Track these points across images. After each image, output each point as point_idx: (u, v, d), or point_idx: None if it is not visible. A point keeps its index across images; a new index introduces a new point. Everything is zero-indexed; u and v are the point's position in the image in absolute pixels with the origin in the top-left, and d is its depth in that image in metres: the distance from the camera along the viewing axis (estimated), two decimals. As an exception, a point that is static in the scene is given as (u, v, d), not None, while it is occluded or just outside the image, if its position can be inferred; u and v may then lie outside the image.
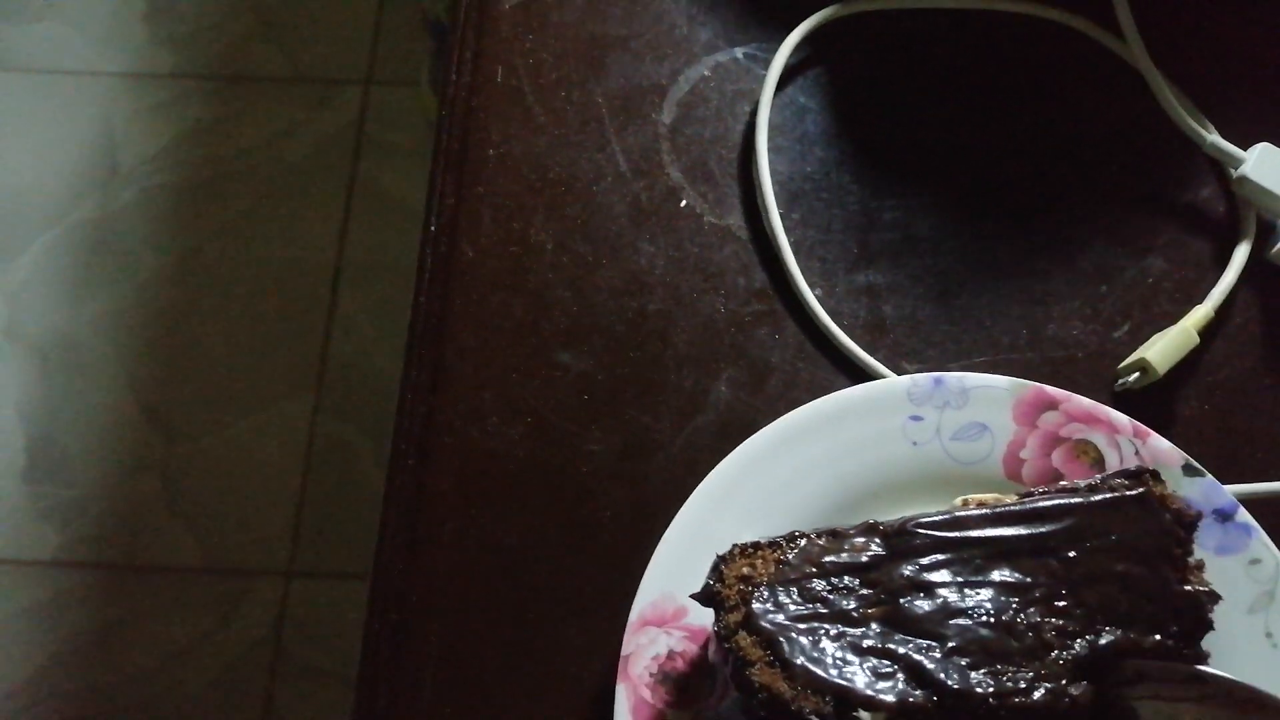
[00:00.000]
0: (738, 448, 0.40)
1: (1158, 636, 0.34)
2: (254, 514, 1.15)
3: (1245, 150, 0.46)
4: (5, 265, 1.24)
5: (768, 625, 0.34)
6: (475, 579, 0.41)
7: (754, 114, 0.48)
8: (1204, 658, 0.35)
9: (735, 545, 0.36)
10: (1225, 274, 0.45)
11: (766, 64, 0.48)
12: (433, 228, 0.46)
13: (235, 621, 1.12)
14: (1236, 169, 0.46)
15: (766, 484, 0.40)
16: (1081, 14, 0.49)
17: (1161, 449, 0.40)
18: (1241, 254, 0.45)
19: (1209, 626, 0.35)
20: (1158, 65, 0.47)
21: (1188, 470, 0.40)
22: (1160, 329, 0.44)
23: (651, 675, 0.38)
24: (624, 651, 0.38)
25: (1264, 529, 0.40)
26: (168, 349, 1.21)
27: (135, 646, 1.11)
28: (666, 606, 0.38)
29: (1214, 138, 0.46)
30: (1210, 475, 0.40)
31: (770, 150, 0.47)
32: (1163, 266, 0.46)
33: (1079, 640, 0.34)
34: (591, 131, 0.48)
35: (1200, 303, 0.45)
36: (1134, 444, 0.40)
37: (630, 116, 0.48)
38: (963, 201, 0.47)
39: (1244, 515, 0.39)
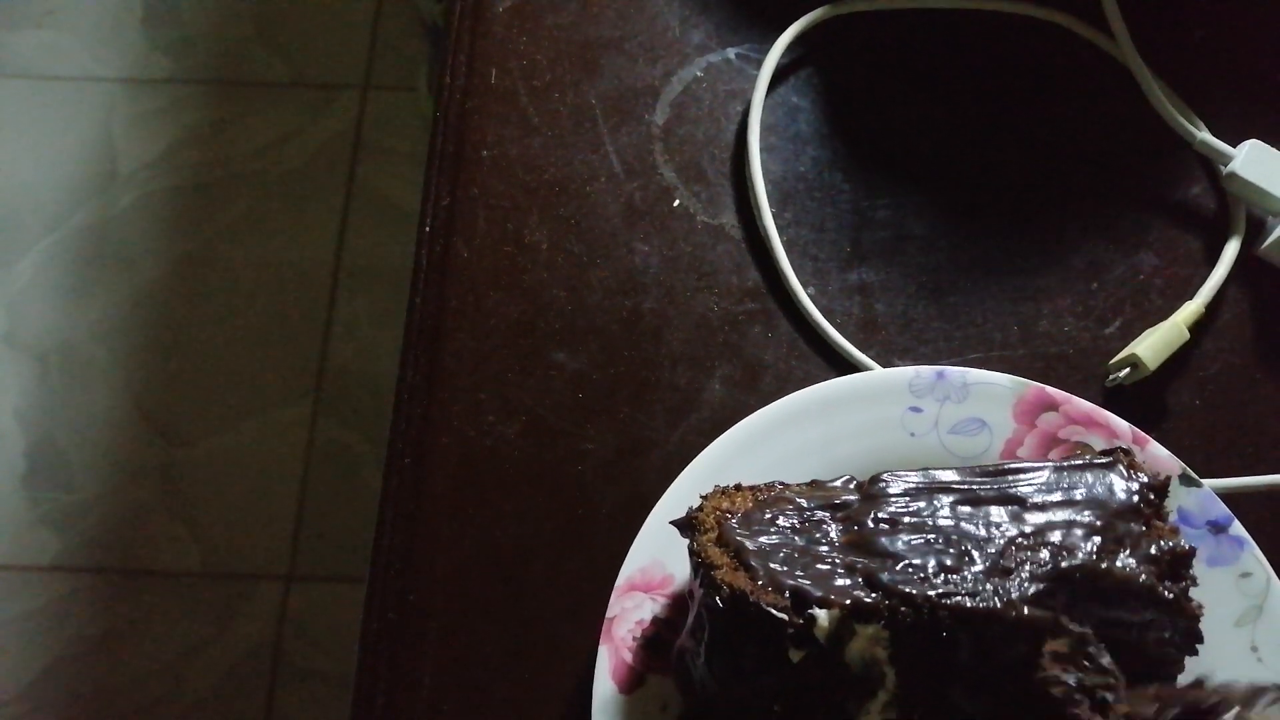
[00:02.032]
0: (737, 424, 0.40)
1: (1131, 569, 0.34)
2: (254, 518, 1.16)
3: (1234, 147, 0.46)
4: (4, 271, 1.25)
5: (737, 537, 0.35)
6: (472, 578, 0.42)
7: (746, 114, 0.48)
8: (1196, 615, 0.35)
9: (718, 485, 0.37)
10: (1215, 270, 0.45)
11: (759, 64, 0.49)
12: (428, 228, 0.46)
13: (236, 625, 1.12)
14: (1226, 166, 0.46)
15: (762, 460, 0.40)
16: (1071, 13, 0.49)
17: (1160, 456, 0.40)
18: (1231, 250, 0.46)
19: (1192, 580, 0.35)
20: (1147, 63, 0.47)
21: (1185, 480, 0.40)
22: (1151, 325, 0.45)
23: (634, 639, 0.38)
24: (608, 614, 0.38)
25: (1254, 522, 0.40)
26: (167, 354, 1.21)
27: (136, 651, 1.11)
28: (655, 573, 0.39)
29: (1203, 135, 0.47)
30: (1207, 485, 0.40)
31: (763, 150, 0.48)
32: (1153, 263, 0.46)
33: (1042, 568, 0.34)
34: (585, 132, 0.48)
35: (1191, 299, 0.45)
36: (1132, 450, 0.40)
37: (623, 117, 0.48)
38: (954, 200, 0.47)
39: (1238, 528, 0.39)
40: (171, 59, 1.33)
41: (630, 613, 0.38)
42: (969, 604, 0.32)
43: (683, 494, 0.40)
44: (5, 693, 1.10)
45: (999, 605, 0.32)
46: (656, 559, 0.39)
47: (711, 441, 0.40)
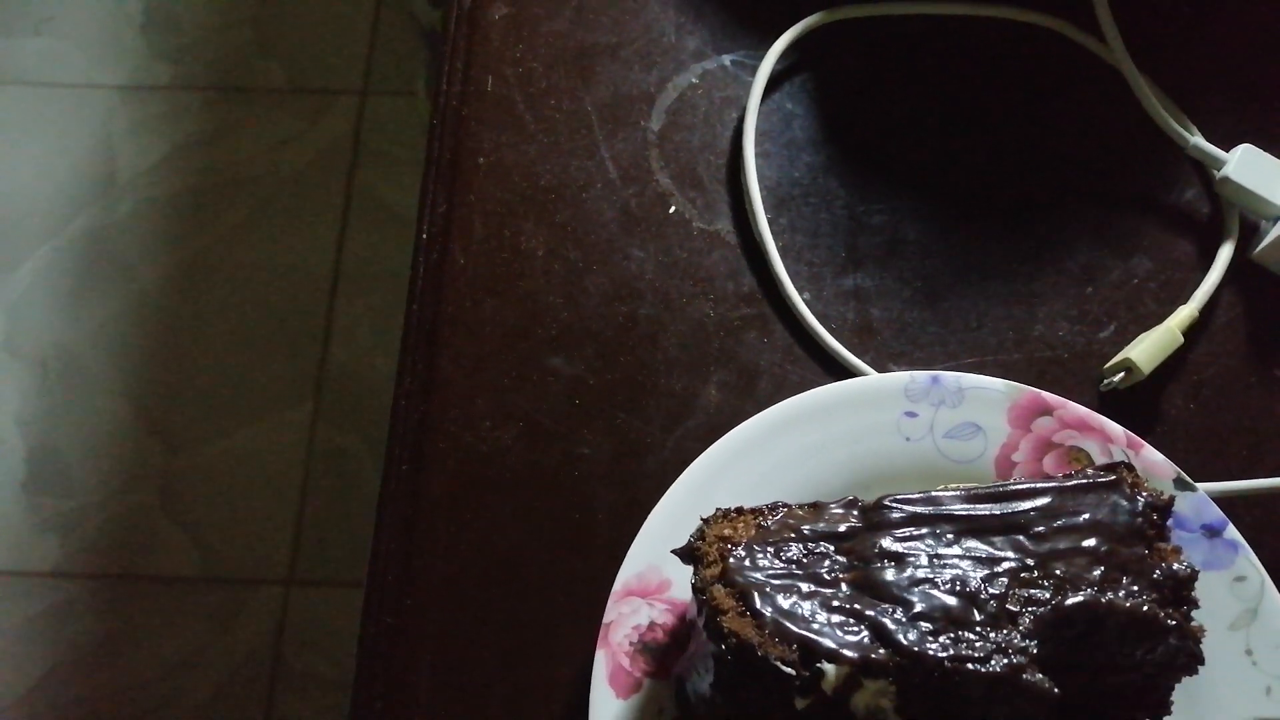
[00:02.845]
0: (734, 429, 0.41)
1: (1135, 601, 0.34)
2: (254, 523, 1.16)
3: (1227, 152, 0.46)
4: (4, 277, 1.25)
5: (742, 579, 0.34)
6: (469, 583, 0.42)
7: (741, 120, 0.48)
8: (1197, 637, 0.35)
9: (719, 509, 0.37)
10: (1209, 274, 0.45)
11: (754, 71, 0.49)
12: (424, 235, 0.46)
13: (235, 630, 1.12)
14: (1219, 170, 0.46)
15: (759, 465, 0.40)
16: (1064, 18, 0.49)
17: (1154, 461, 0.40)
18: (1225, 254, 0.46)
19: (1194, 603, 0.35)
20: (1140, 68, 0.47)
21: (1179, 484, 0.40)
22: (1145, 329, 0.45)
23: (631, 644, 0.38)
24: (605, 619, 0.38)
25: (1248, 525, 0.40)
26: (167, 359, 1.21)
27: (136, 656, 1.11)
28: (651, 578, 0.39)
29: (1196, 140, 0.47)
30: (1201, 489, 0.40)
31: (758, 156, 0.48)
32: (1148, 267, 0.46)
33: (1045, 607, 0.34)
34: (581, 139, 0.48)
35: (1185, 303, 0.45)
36: (1127, 454, 0.40)
37: (619, 124, 0.48)
38: (949, 205, 0.47)
39: (1232, 532, 0.39)
40: (170, 65, 1.34)
41: (627, 618, 0.39)
42: (978, 669, 0.32)
43: (679, 500, 0.40)
44: (5, 698, 1.10)
45: (1005, 670, 0.32)
46: (653, 564, 0.39)
47: (707, 446, 0.41)
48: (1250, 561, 0.39)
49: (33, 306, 1.24)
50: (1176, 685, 0.36)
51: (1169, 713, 0.37)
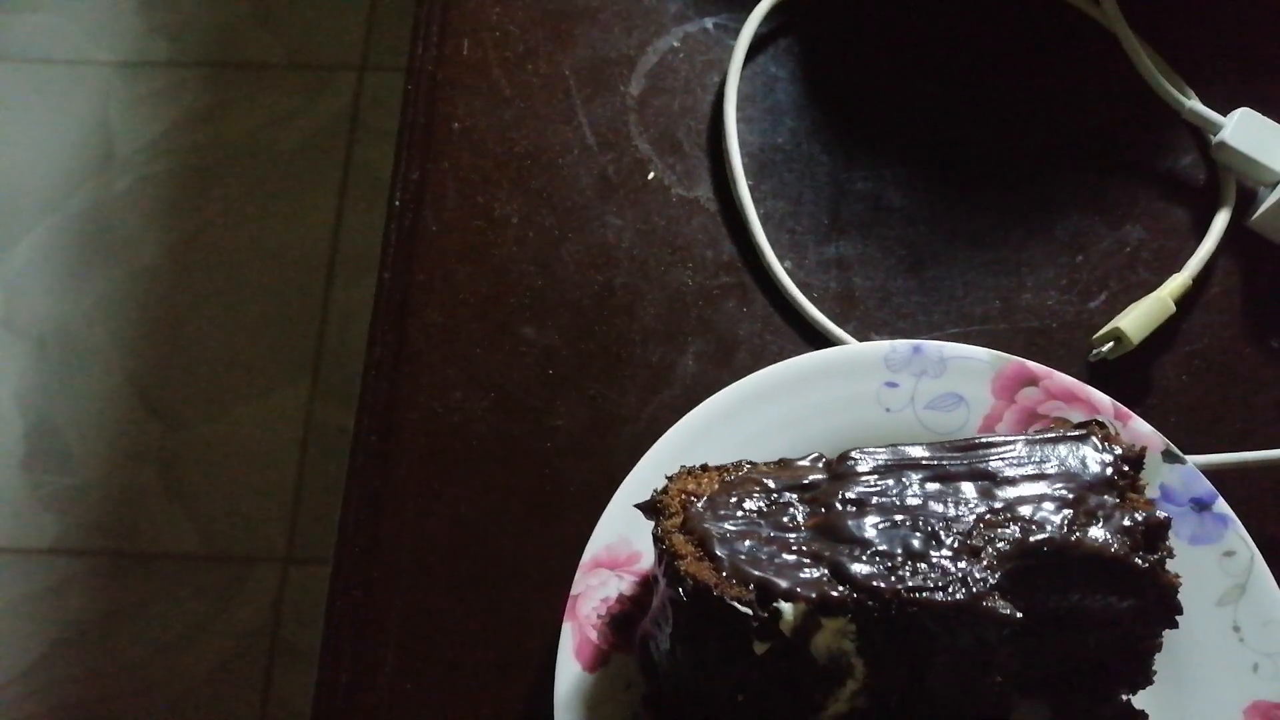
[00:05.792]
0: (708, 399, 0.40)
1: (1102, 540, 0.33)
2: (252, 501, 1.15)
3: (1225, 116, 0.45)
4: (2, 254, 1.25)
5: (702, 526, 0.34)
6: (438, 554, 0.41)
7: (723, 85, 0.47)
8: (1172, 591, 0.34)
9: (684, 465, 0.36)
10: (1204, 242, 0.44)
11: (736, 34, 0.48)
12: (397, 202, 0.45)
13: (233, 608, 1.12)
14: (1215, 135, 0.45)
15: (734, 437, 0.39)
16: (1058, -21, 0.48)
17: (1143, 432, 0.39)
18: (1220, 221, 0.45)
19: (1168, 551, 0.34)
20: (1134, 29, 0.46)
21: (1168, 456, 0.39)
22: (1137, 299, 0.43)
23: (599, 616, 0.37)
24: (573, 591, 0.37)
25: (1238, 499, 0.39)
26: (165, 336, 1.21)
27: (134, 633, 1.11)
28: (621, 550, 0.38)
29: (1193, 103, 0.45)
30: (1190, 462, 0.39)
31: (740, 121, 0.47)
32: (1140, 235, 0.45)
33: (1009, 544, 0.33)
34: (558, 104, 0.47)
35: (1178, 271, 0.44)
36: (1114, 425, 0.39)
37: (598, 88, 0.47)
38: (935, 171, 0.46)
39: (1222, 506, 0.38)
40: (168, 41, 1.33)
41: (595, 590, 0.38)
42: (937, 598, 0.31)
43: (650, 471, 0.39)
44: (4, 675, 1.10)
45: (965, 598, 0.31)
46: (623, 536, 0.38)
47: (682, 418, 0.40)
48: (1240, 536, 0.38)
49: (30, 283, 1.23)
50: (1160, 659, 0.35)
51: (1151, 682, 0.36)
